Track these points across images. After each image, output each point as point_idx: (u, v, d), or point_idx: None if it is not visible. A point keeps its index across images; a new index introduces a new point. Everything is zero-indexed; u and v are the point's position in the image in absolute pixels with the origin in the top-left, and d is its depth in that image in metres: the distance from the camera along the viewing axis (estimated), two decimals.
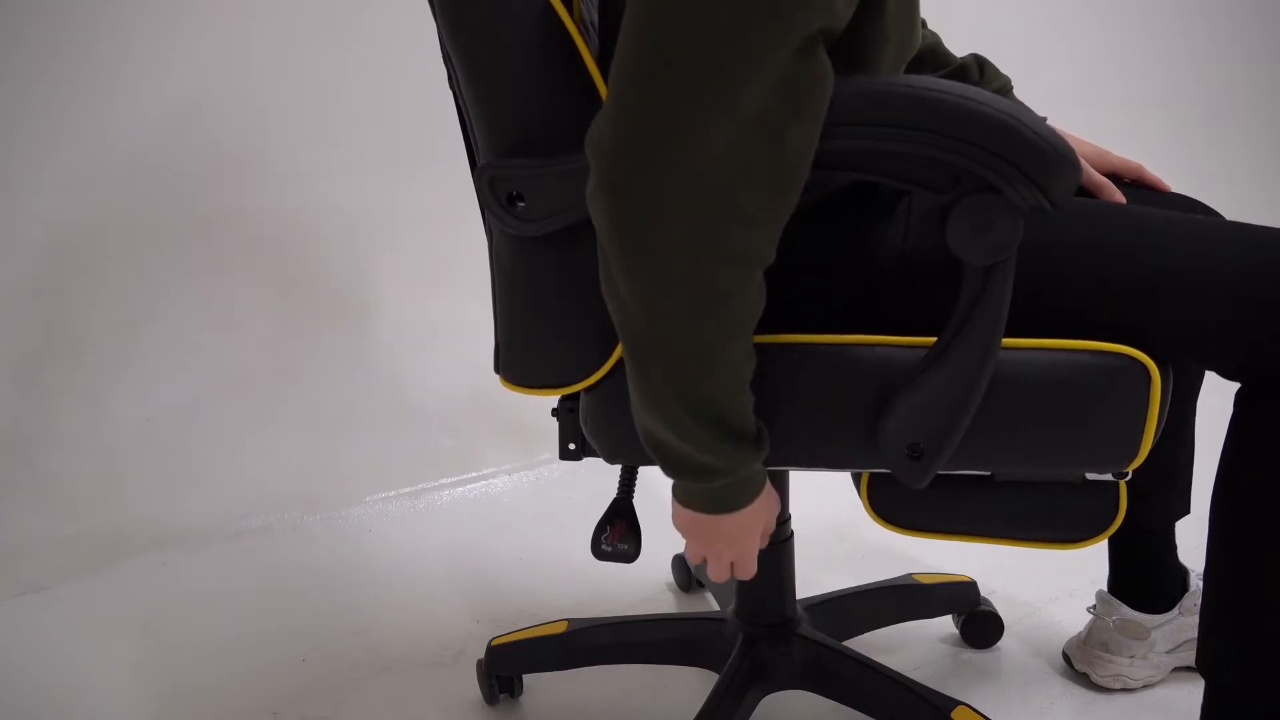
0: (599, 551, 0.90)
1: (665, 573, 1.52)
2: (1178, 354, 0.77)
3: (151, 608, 1.51)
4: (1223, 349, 0.76)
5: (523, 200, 0.79)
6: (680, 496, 0.79)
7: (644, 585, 1.51)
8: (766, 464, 0.78)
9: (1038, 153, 0.64)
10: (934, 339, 0.73)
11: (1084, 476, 0.77)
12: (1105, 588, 1.19)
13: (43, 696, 1.29)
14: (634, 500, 0.92)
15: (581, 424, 0.87)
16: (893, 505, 0.80)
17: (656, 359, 0.69)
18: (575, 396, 0.90)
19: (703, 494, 0.76)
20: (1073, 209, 0.78)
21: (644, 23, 0.65)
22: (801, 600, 1.16)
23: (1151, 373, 0.72)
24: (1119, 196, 1.03)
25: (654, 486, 1.05)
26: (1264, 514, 0.77)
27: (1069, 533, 0.78)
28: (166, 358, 1.83)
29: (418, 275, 2.01)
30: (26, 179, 1.70)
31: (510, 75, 0.78)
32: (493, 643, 1.20)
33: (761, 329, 0.75)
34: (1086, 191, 1.00)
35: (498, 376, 0.92)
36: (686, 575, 1.48)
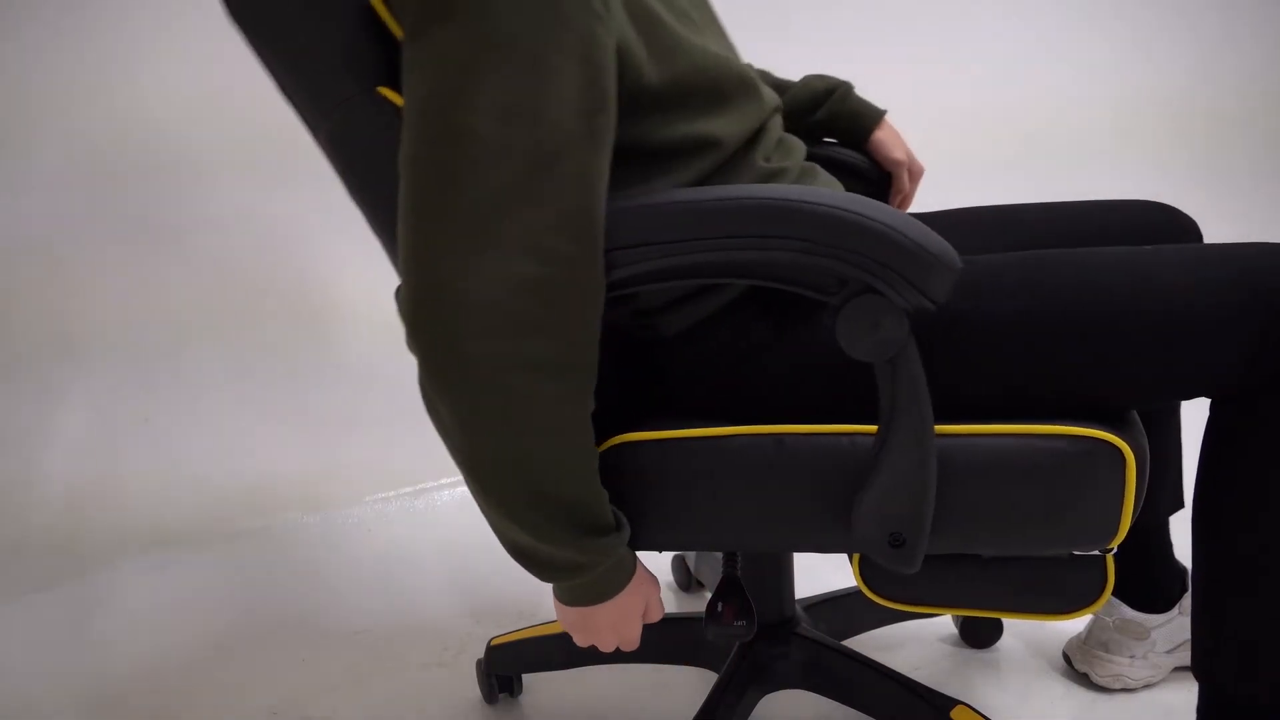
0: (712, 633, 0.92)
1: (665, 573, 1.51)
2: (1140, 402, 0.77)
3: (151, 608, 1.51)
4: (1185, 387, 0.76)
5: None
6: (559, 596, 0.82)
7: None
8: (754, 550, 0.78)
9: (914, 258, 0.67)
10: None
11: (1071, 553, 0.79)
12: None
13: (42, 696, 1.29)
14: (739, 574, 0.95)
15: None
16: (885, 582, 0.82)
17: (489, 473, 0.72)
18: None
19: (575, 590, 0.80)
20: (1010, 278, 0.77)
21: (406, 174, 0.67)
22: (801, 600, 1.16)
23: (1126, 455, 0.73)
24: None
25: None
26: (1242, 514, 0.78)
27: (1059, 605, 0.80)
28: (166, 358, 1.83)
29: None
30: (25, 180, 1.70)
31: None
32: (493, 642, 1.20)
33: (735, 419, 0.77)
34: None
35: None
36: (686, 575, 1.48)
